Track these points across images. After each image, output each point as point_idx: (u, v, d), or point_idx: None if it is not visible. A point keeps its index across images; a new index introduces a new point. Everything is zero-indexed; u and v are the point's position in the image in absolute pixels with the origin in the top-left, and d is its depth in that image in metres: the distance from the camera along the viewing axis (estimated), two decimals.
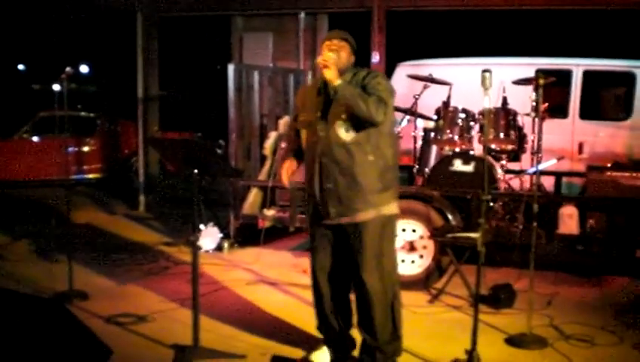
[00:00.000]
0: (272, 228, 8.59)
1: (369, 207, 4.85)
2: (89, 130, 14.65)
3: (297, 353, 5.39)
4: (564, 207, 7.23)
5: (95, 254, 8.59)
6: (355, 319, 5.18)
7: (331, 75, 4.65)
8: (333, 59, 4.72)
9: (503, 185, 7.81)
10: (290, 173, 5.18)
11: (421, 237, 7.27)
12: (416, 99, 8.16)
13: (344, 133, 4.79)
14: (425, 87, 8.27)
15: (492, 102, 7.46)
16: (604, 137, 9.40)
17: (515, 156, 8.04)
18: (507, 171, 8.06)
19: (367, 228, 4.86)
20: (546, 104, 7.65)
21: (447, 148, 7.95)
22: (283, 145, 8.62)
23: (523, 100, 7.91)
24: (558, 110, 9.35)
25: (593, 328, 6.01)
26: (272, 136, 9.01)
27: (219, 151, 14.49)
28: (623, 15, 13.13)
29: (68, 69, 6.72)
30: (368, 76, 4.87)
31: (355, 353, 5.21)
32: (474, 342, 4.95)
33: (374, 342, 4.96)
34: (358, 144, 4.80)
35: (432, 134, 7.99)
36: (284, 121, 9.34)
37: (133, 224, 10.75)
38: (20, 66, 31.91)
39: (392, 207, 4.97)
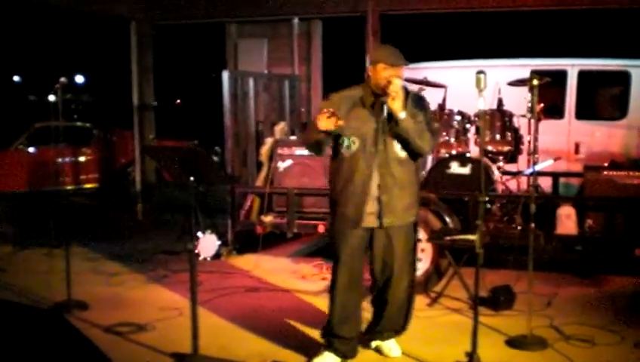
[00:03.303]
0: (269, 234, 8.57)
1: (413, 214, 5.31)
2: (85, 140, 14.61)
3: (298, 359, 5.40)
4: (562, 207, 7.23)
5: (93, 264, 8.58)
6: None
7: (398, 107, 4.95)
8: (400, 89, 4.96)
9: (500, 187, 7.82)
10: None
11: (419, 241, 7.26)
12: None
13: (399, 150, 5.15)
14: (420, 90, 8.24)
15: (487, 103, 7.51)
16: (601, 137, 9.40)
17: (511, 157, 8.05)
18: (504, 173, 8.05)
19: (407, 231, 5.30)
20: (542, 105, 7.66)
21: (443, 150, 7.95)
22: (279, 150, 8.61)
23: (518, 101, 7.92)
24: (554, 110, 9.36)
25: (593, 328, 6.01)
26: (268, 142, 9.00)
27: (215, 158, 14.51)
28: (617, 14, 13.15)
29: (62, 79, 6.71)
30: (420, 103, 5.30)
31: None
32: (474, 345, 4.95)
33: (399, 329, 5.48)
34: (410, 160, 5.20)
35: None
36: (279, 128, 9.34)
37: (131, 233, 10.72)
38: (16, 78, 31.92)
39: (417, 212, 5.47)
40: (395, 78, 4.98)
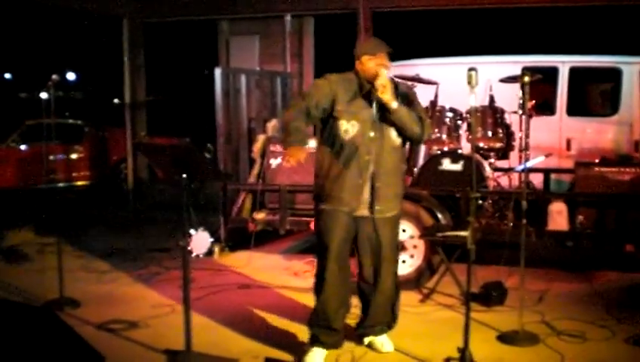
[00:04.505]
0: (262, 231, 8.57)
1: (399, 205, 5.36)
2: (77, 138, 14.62)
3: (290, 356, 5.39)
4: (553, 203, 7.24)
5: (85, 261, 8.57)
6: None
7: (389, 98, 4.98)
8: (389, 80, 5.02)
9: (491, 183, 7.83)
10: (302, 157, 5.15)
11: (411, 237, 7.27)
12: None
13: (395, 137, 5.18)
14: (412, 87, 8.25)
15: (479, 100, 7.53)
16: (592, 133, 9.43)
17: (503, 154, 8.07)
18: (496, 169, 8.08)
19: (394, 222, 5.34)
20: (533, 101, 7.67)
21: (435, 147, 7.97)
22: (272, 147, 8.59)
23: (510, 98, 7.94)
24: (546, 107, 9.39)
25: (584, 323, 6.03)
26: (261, 139, 8.98)
27: (207, 155, 14.51)
28: (608, 11, 13.17)
29: (54, 76, 6.69)
30: (410, 93, 5.36)
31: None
32: (466, 340, 4.96)
33: (390, 322, 5.50)
34: (401, 148, 5.29)
35: None
36: (272, 124, 9.32)
37: (123, 230, 10.71)
38: (7, 75, 31.81)
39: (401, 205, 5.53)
40: (381, 68, 5.02)
